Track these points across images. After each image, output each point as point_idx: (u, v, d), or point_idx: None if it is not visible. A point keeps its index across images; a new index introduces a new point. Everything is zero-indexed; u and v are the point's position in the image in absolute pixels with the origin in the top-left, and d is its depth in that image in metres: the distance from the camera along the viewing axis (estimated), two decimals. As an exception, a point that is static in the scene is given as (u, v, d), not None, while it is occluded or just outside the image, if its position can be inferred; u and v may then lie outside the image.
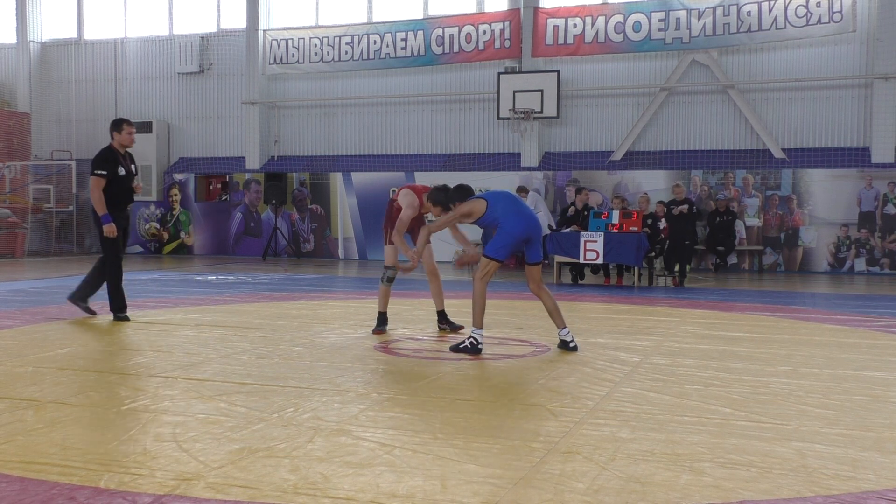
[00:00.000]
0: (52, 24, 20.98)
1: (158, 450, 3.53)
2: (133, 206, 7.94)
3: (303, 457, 3.44)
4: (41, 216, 19.35)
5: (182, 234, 19.52)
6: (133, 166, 7.99)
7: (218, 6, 19.61)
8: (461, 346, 6.04)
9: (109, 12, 20.52)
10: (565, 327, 6.24)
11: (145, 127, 19.59)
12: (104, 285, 7.82)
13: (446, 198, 6.51)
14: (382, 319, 7.21)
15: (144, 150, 19.57)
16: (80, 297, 7.95)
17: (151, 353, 5.92)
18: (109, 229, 7.55)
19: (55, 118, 20.79)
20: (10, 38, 20.93)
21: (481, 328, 6.07)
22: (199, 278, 12.81)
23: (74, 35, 20.80)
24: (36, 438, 3.71)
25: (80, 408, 4.27)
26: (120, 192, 7.72)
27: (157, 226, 19.68)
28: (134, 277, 12.86)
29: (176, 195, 19.52)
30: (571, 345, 6.16)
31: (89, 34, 20.74)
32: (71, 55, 20.72)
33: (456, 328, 7.23)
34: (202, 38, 19.54)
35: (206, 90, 19.72)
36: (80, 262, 16.50)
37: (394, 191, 6.72)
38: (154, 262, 17.10)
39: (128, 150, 7.97)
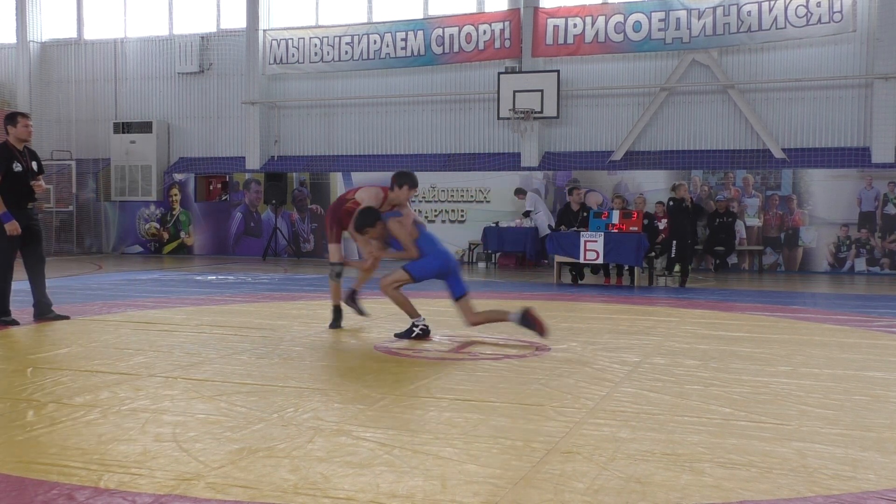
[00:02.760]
0: (51, 23, 20.98)
1: (158, 450, 3.53)
2: (34, 204, 7.55)
3: (303, 457, 3.45)
4: (41, 216, 19.33)
5: (182, 234, 19.52)
6: (35, 163, 7.56)
7: (218, 6, 19.61)
8: (412, 334, 6.55)
9: (109, 12, 20.52)
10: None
11: (145, 127, 19.61)
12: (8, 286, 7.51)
13: (376, 219, 6.69)
14: (337, 314, 7.37)
15: (144, 150, 19.59)
16: (41, 312, 7.68)
17: (151, 353, 5.92)
18: (12, 227, 7.19)
19: (55, 118, 20.79)
20: (10, 38, 20.93)
21: (418, 316, 6.63)
22: (199, 278, 12.81)
23: (74, 35, 20.80)
24: (36, 439, 3.71)
25: (79, 408, 4.27)
26: (18, 190, 7.29)
27: (157, 226, 19.68)
28: (134, 277, 12.86)
29: (176, 195, 19.52)
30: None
31: (89, 34, 20.74)
32: (71, 55, 20.72)
33: (362, 312, 7.37)
34: (202, 37, 19.54)
35: (206, 90, 19.72)
36: (80, 262, 16.50)
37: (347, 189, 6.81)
38: (154, 262, 17.10)
39: (27, 145, 7.54)
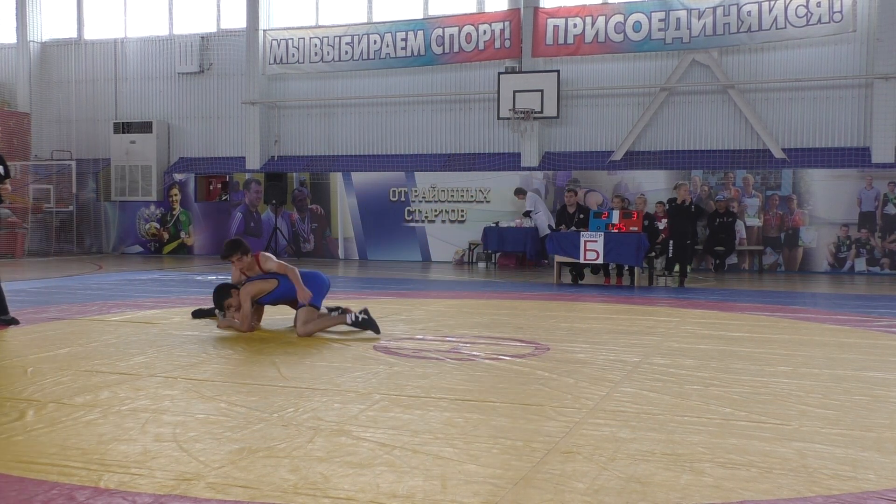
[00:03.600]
0: (52, 23, 20.99)
1: (158, 450, 3.53)
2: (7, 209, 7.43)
3: (303, 457, 3.44)
4: (41, 216, 19.36)
5: (182, 234, 19.53)
6: (2, 167, 7.45)
7: (218, 6, 19.61)
8: (357, 321, 6.81)
9: (109, 12, 20.53)
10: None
11: (145, 127, 19.62)
12: None
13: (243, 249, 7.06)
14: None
15: (144, 150, 19.59)
16: None
17: (152, 352, 5.92)
18: None
19: (55, 118, 20.80)
20: (10, 37, 20.94)
21: (347, 313, 6.90)
22: (199, 278, 12.81)
23: (74, 35, 20.81)
24: (36, 439, 3.71)
25: (79, 407, 4.27)
26: None
27: (157, 226, 19.68)
28: (134, 277, 12.86)
29: (176, 195, 19.52)
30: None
31: (89, 34, 20.74)
32: (71, 55, 20.73)
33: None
34: (202, 37, 19.55)
35: (206, 90, 19.73)
36: (80, 262, 16.50)
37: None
38: (154, 261, 17.10)
39: None
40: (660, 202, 14.01)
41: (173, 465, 3.33)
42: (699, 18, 15.83)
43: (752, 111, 15.87)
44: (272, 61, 18.81)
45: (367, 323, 6.85)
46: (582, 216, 12.76)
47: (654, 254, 12.62)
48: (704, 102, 16.41)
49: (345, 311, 7.00)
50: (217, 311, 7.22)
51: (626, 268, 12.46)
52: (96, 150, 20.28)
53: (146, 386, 4.81)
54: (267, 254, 7.21)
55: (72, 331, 7.04)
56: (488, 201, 17.06)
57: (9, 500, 2.95)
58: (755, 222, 15.55)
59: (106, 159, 20.04)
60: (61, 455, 3.44)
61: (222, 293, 7.04)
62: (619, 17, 16.32)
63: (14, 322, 7.30)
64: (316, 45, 18.41)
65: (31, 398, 4.47)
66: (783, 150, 15.66)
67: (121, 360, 5.60)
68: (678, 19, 15.97)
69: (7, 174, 7.61)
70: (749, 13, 15.42)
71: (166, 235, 19.65)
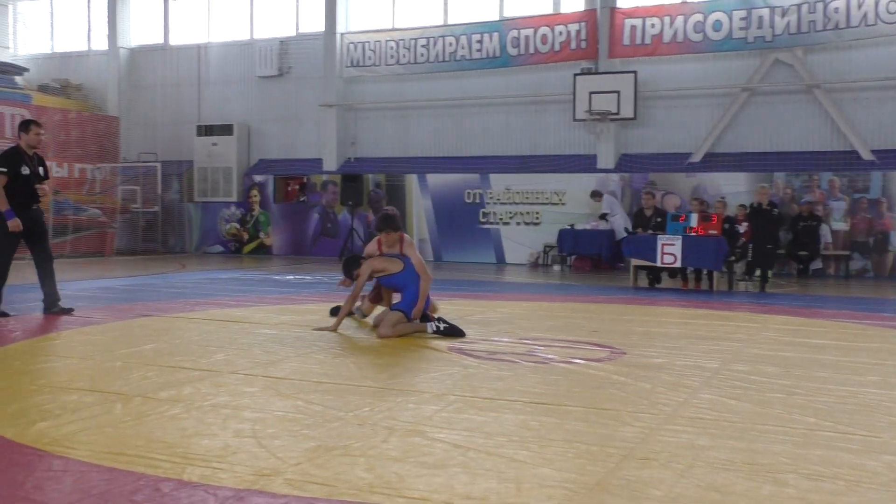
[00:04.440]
0: (140, 30, 21.73)
1: (238, 445, 3.62)
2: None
3: (378, 456, 3.48)
4: (128, 216, 20.04)
5: (261, 235, 19.96)
6: (42, 168, 8.03)
7: (297, 11, 19.99)
8: (438, 330, 6.82)
9: (194, 18, 21.14)
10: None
11: (227, 129, 20.12)
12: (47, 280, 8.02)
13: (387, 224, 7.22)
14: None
15: (226, 153, 20.09)
16: (50, 304, 8.06)
17: (232, 350, 6.06)
18: (14, 224, 7.65)
19: (142, 121, 21.52)
20: (102, 45, 21.76)
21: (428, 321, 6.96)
22: (277, 278, 13.07)
23: (161, 41, 21.49)
24: (124, 431, 3.84)
25: (164, 402, 4.40)
26: (23, 191, 7.78)
27: (238, 226, 20.16)
28: (215, 276, 13.20)
29: (255, 196, 19.96)
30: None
31: (175, 40, 21.40)
32: (157, 60, 21.42)
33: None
34: (281, 42, 19.95)
35: (284, 93, 20.12)
36: (165, 261, 17.03)
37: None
38: (234, 261, 17.52)
39: (36, 151, 8.02)
40: (741, 205, 13.66)
41: (252, 460, 3.40)
42: (783, 16, 15.39)
43: (838, 111, 15.35)
44: (349, 64, 19.07)
45: (449, 331, 6.84)
46: (659, 219, 12.53)
47: (733, 258, 12.32)
48: (788, 103, 15.94)
49: (424, 320, 7.02)
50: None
51: (705, 272, 12.19)
52: (180, 152, 20.89)
53: (227, 383, 4.93)
54: (412, 241, 7.35)
55: (157, 328, 7.27)
56: (563, 203, 16.93)
57: (98, 488, 3.06)
58: (842, 226, 15.01)
59: (189, 161, 20.63)
60: (147, 447, 3.56)
61: (352, 262, 7.15)
62: (699, 17, 16.00)
63: (4, 314, 7.76)
64: (392, 48, 18.59)
65: (119, 392, 4.64)
66: (871, 151, 15.09)
67: (203, 357, 5.75)
68: (760, 17, 15.56)
69: (46, 175, 8.13)
70: (836, 10, 14.92)
71: (246, 236, 20.11)
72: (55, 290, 8.14)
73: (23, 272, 8.61)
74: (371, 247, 7.42)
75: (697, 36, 16.04)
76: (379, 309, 7.61)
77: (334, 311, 7.72)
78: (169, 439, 3.70)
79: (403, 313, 6.93)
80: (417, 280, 7.01)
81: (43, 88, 21.04)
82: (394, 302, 7.25)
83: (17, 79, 20.29)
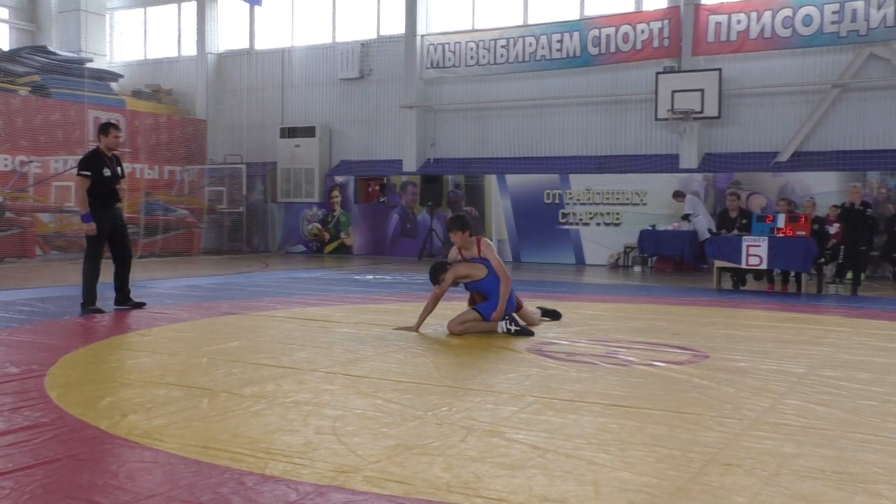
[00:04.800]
0: (227, 36, 22.34)
1: (319, 442, 3.68)
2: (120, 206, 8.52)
3: (456, 455, 3.49)
4: (215, 216, 20.63)
5: (342, 235, 20.26)
6: (119, 168, 8.36)
7: (378, 14, 20.22)
8: (510, 331, 6.88)
9: (278, 23, 21.62)
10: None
11: (309, 132, 20.50)
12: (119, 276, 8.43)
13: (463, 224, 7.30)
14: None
15: (308, 154, 20.48)
16: (121, 300, 8.45)
17: (313, 348, 6.18)
18: (90, 227, 8.05)
19: (228, 124, 22.11)
20: (192, 51, 22.46)
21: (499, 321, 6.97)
22: (357, 277, 13.25)
23: (247, 46, 22.06)
24: (210, 425, 3.95)
25: (248, 398, 4.51)
26: (105, 192, 8.15)
27: (319, 226, 20.51)
28: (297, 276, 13.47)
29: (336, 197, 20.28)
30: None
31: (260, 44, 21.92)
32: (243, 65, 21.98)
33: None
34: (362, 44, 20.21)
35: (365, 95, 20.38)
36: (249, 260, 17.46)
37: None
38: (315, 261, 17.84)
39: (114, 153, 8.36)
40: (833, 206, 13.20)
41: (333, 457, 3.46)
42: (879, 9, 14.79)
43: (937, 107, 14.67)
44: (429, 66, 19.19)
45: (519, 332, 6.88)
46: (745, 221, 12.18)
47: (823, 260, 11.90)
48: (883, 98, 15.31)
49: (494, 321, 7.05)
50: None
51: (793, 274, 11.81)
52: (264, 153, 21.38)
53: (308, 380, 5.02)
54: (490, 243, 7.41)
55: (241, 325, 7.46)
56: (644, 204, 16.67)
57: (186, 480, 3.16)
58: (940, 227, 14.32)
59: (272, 162, 21.10)
60: (232, 442, 3.66)
61: (439, 268, 7.24)
62: (788, 11, 15.52)
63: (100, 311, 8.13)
64: (472, 49, 18.62)
65: (205, 387, 4.78)
66: (973, 148, 14.37)
67: (285, 355, 5.87)
68: (854, 10, 15.00)
69: (122, 174, 8.48)
70: (935, 1, 14.25)
71: (327, 236, 20.44)
72: (127, 286, 8.56)
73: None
74: (453, 252, 7.48)
75: (786, 31, 15.57)
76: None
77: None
78: (252, 434, 3.79)
79: (481, 315, 6.97)
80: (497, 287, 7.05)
81: (136, 94, 21.84)
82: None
83: (113, 85, 21.11)
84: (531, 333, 6.88)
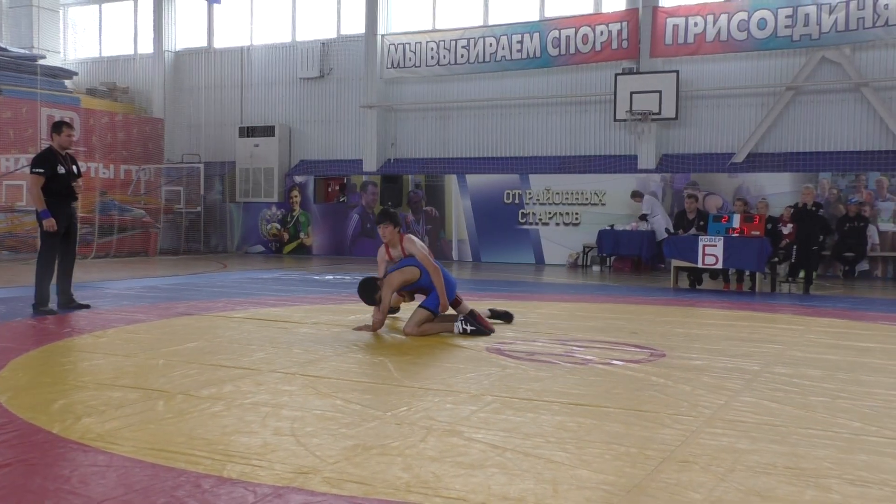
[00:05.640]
0: (184, 34, 22.07)
1: (278, 443, 3.65)
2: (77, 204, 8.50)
3: (415, 455, 3.49)
4: (172, 216, 20.36)
5: (301, 235, 20.13)
6: (75, 167, 8.38)
7: (338, 13, 20.13)
8: (466, 331, 6.87)
9: (237, 21, 21.41)
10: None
11: (268, 131, 20.34)
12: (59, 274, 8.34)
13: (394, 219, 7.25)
14: None
15: (267, 154, 20.31)
16: (65, 301, 8.37)
17: (272, 349, 6.13)
18: (49, 223, 8.01)
19: (186, 123, 21.84)
20: (148, 48, 22.14)
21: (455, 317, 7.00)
22: (317, 278, 13.17)
23: (205, 44, 21.81)
24: (166, 427, 3.90)
25: (205, 400, 4.46)
26: (61, 190, 8.15)
27: (278, 226, 20.36)
28: (256, 276, 13.35)
29: (296, 197, 20.15)
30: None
31: (218, 43, 21.69)
32: (201, 63, 21.73)
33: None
34: (323, 43, 20.11)
35: (325, 94, 20.28)
36: (207, 261, 17.26)
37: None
38: (275, 261, 17.70)
39: (68, 151, 8.36)
40: (788, 206, 13.45)
41: (291, 458, 3.44)
42: (830, 14, 15.11)
43: (887, 110, 15.03)
44: (389, 65, 19.16)
45: (476, 332, 6.89)
46: (702, 223, 12.36)
47: (777, 259, 12.12)
48: (834, 101, 15.65)
49: (451, 320, 7.05)
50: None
51: (747, 273, 12.02)
52: (223, 153, 21.17)
53: (266, 381, 4.98)
54: (412, 237, 7.30)
55: (199, 326, 7.37)
56: (603, 204, 16.82)
57: (141, 483, 3.11)
58: (890, 227, 14.70)
59: (231, 162, 20.89)
60: (188, 444, 3.61)
61: (371, 287, 7.04)
62: (743, 15, 15.79)
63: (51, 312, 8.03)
64: (432, 49, 18.62)
65: (162, 389, 4.71)
66: (921, 150, 14.75)
67: (243, 356, 5.82)
68: (807, 15, 15.30)
69: (79, 173, 8.46)
70: (886, 6, 14.59)
71: (286, 236, 20.30)
72: (70, 287, 8.47)
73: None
74: (381, 253, 7.39)
75: (741, 34, 15.82)
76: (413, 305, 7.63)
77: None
78: (210, 436, 3.74)
79: (430, 311, 6.95)
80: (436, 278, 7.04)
81: (91, 92, 21.48)
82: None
83: (67, 82, 20.73)
84: (488, 332, 6.89)
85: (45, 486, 3.08)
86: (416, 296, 7.51)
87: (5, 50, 19.59)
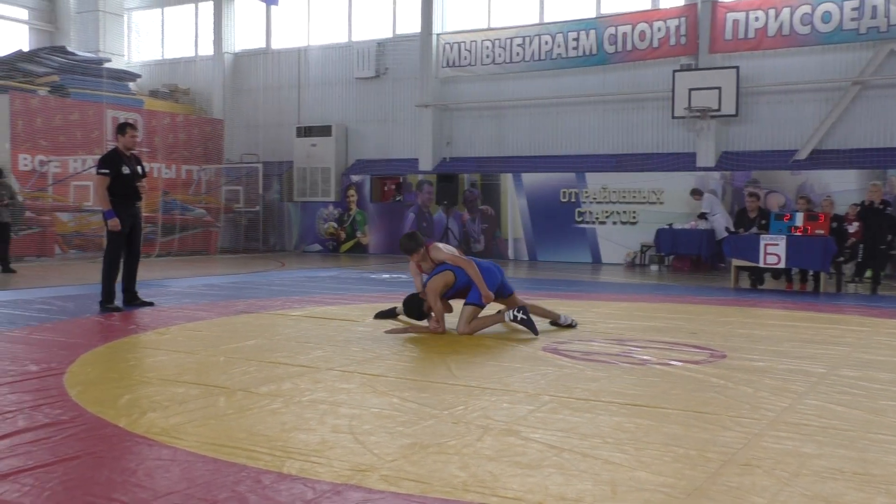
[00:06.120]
0: (243, 36, 22.44)
1: (335, 440, 3.69)
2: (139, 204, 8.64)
3: (472, 454, 3.49)
4: (231, 216, 20.72)
5: (358, 234, 20.30)
6: (140, 167, 8.52)
7: (394, 12, 20.24)
8: (517, 319, 6.85)
9: (294, 23, 21.68)
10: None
11: (325, 131, 20.55)
12: (124, 272, 8.53)
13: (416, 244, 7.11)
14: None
15: (324, 153, 20.52)
16: (129, 299, 8.56)
17: (329, 347, 6.19)
18: (113, 223, 8.18)
19: (244, 123, 22.20)
20: (208, 50, 22.57)
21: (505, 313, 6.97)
22: (373, 276, 13.27)
23: (263, 45, 22.14)
24: (227, 423, 3.97)
25: (265, 396, 4.53)
26: (126, 190, 8.30)
27: (335, 225, 20.56)
28: (313, 275, 13.50)
29: (352, 196, 20.32)
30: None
31: (276, 44, 22.00)
32: (259, 64, 22.07)
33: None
34: (378, 43, 20.23)
35: (381, 94, 20.40)
36: (266, 260, 17.52)
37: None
38: (332, 260, 17.88)
39: (133, 152, 8.51)
40: (853, 204, 13.09)
41: (349, 455, 3.46)
42: (898, 5, 14.64)
43: (958, 104, 14.52)
44: (445, 64, 19.19)
45: (525, 323, 6.84)
46: (763, 222, 12.11)
47: (842, 258, 11.81)
48: (903, 96, 15.16)
49: (502, 311, 7.03)
50: (398, 313, 7.47)
51: (811, 273, 11.73)
52: (281, 153, 21.46)
53: (324, 379, 5.04)
54: (437, 244, 7.28)
55: (258, 324, 7.49)
56: (661, 202, 16.60)
57: (203, 478, 3.18)
58: (961, 226, 14.16)
59: (289, 162, 21.17)
60: (249, 440, 3.67)
61: (416, 302, 7.01)
62: (807, 8, 15.40)
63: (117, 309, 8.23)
64: (487, 48, 18.60)
65: (222, 385, 4.80)
66: None
67: (301, 354, 5.89)
68: (874, 7, 14.85)
69: (144, 173, 8.61)
70: (957, -3, 14.09)
71: (343, 235, 20.49)
72: (134, 285, 8.68)
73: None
74: (412, 266, 7.33)
75: (805, 28, 15.45)
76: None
77: (379, 316, 7.67)
78: (269, 433, 3.80)
79: (475, 305, 6.91)
80: (469, 273, 7.00)
81: (154, 93, 21.98)
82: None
83: (131, 84, 21.24)
84: (535, 332, 6.79)
85: (113, 479, 3.16)
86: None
87: (73, 54, 20.17)
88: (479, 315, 6.95)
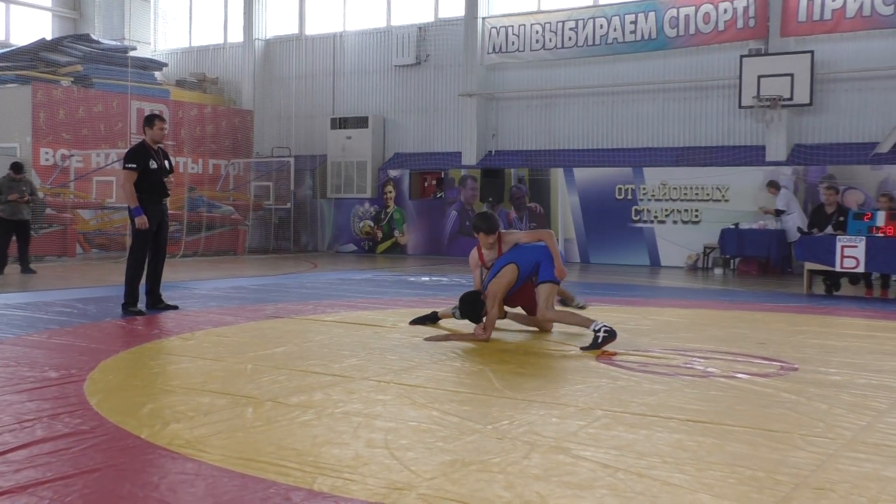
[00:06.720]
0: (275, 21, 22.69)
1: (370, 456, 3.70)
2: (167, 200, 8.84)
3: (518, 473, 3.47)
4: (261, 213, 20.94)
5: (396, 233, 20.38)
6: (167, 162, 8.64)
7: (436, -5, 20.31)
8: (598, 342, 6.45)
9: (330, 6, 21.86)
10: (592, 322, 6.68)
11: (361, 122, 20.67)
12: (153, 272, 8.67)
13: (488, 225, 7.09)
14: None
15: (360, 146, 20.65)
16: (153, 302, 8.66)
17: (364, 355, 6.22)
18: (141, 221, 8.27)
19: (276, 115, 22.44)
20: (238, 37, 22.87)
21: (592, 321, 6.70)
22: (412, 279, 13.31)
23: (296, 31, 22.36)
24: (254, 436, 4.01)
25: (295, 408, 4.56)
26: (153, 186, 8.42)
27: (371, 224, 20.66)
28: (347, 277, 13.59)
29: (390, 192, 20.41)
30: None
31: (310, 30, 22.20)
32: (292, 51, 22.30)
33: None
34: (419, 28, 20.31)
35: (422, 83, 20.47)
36: (297, 260, 17.68)
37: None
38: (367, 261, 17.98)
39: (160, 145, 8.63)
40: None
41: (385, 472, 3.48)
42: None
43: None
44: (490, 50, 19.18)
45: (605, 343, 6.51)
46: (841, 218, 11.91)
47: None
48: None
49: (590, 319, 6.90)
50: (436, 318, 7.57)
51: (893, 278, 11.50)
52: (313, 146, 21.64)
53: (358, 389, 5.06)
54: (509, 232, 7.32)
55: (288, 329, 7.55)
56: (727, 200, 16.39)
57: (230, 494, 3.21)
58: None
59: (322, 155, 21.33)
60: (277, 454, 3.70)
61: (477, 303, 6.94)
62: (890, -14, 15.10)
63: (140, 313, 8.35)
64: (537, 32, 18.56)
65: (249, 395, 4.85)
66: None
67: (334, 362, 5.93)
68: (965, -16, 14.52)
69: (171, 168, 8.77)
70: None
71: (380, 234, 20.58)
72: (159, 287, 8.81)
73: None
74: (474, 257, 7.33)
75: (888, 9, 15.15)
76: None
77: (416, 322, 7.74)
78: (299, 447, 3.83)
79: (551, 282, 6.94)
80: (535, 250, 7.04)
81: (180, 83, 22.34)
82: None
83: (157, 74, 21.61)
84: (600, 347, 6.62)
85: (135, 493, 3.21)
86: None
87: (98, 42, 20.58)
88: (561, 309, 6.95)
